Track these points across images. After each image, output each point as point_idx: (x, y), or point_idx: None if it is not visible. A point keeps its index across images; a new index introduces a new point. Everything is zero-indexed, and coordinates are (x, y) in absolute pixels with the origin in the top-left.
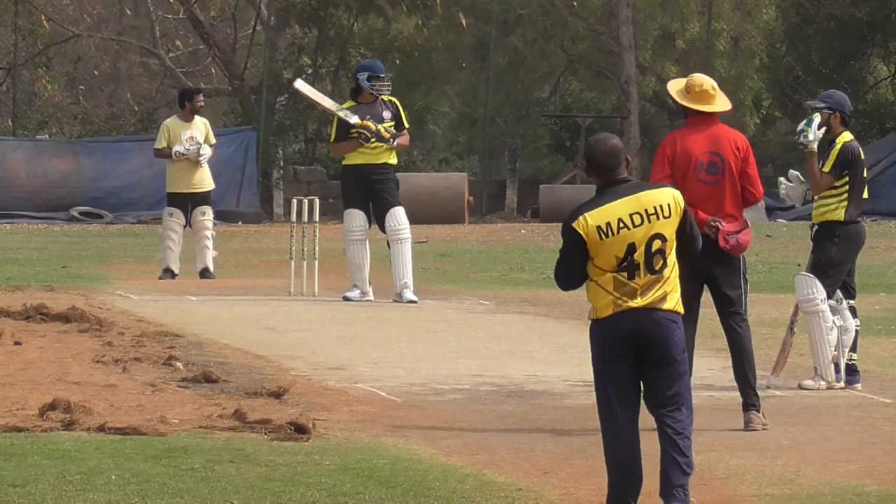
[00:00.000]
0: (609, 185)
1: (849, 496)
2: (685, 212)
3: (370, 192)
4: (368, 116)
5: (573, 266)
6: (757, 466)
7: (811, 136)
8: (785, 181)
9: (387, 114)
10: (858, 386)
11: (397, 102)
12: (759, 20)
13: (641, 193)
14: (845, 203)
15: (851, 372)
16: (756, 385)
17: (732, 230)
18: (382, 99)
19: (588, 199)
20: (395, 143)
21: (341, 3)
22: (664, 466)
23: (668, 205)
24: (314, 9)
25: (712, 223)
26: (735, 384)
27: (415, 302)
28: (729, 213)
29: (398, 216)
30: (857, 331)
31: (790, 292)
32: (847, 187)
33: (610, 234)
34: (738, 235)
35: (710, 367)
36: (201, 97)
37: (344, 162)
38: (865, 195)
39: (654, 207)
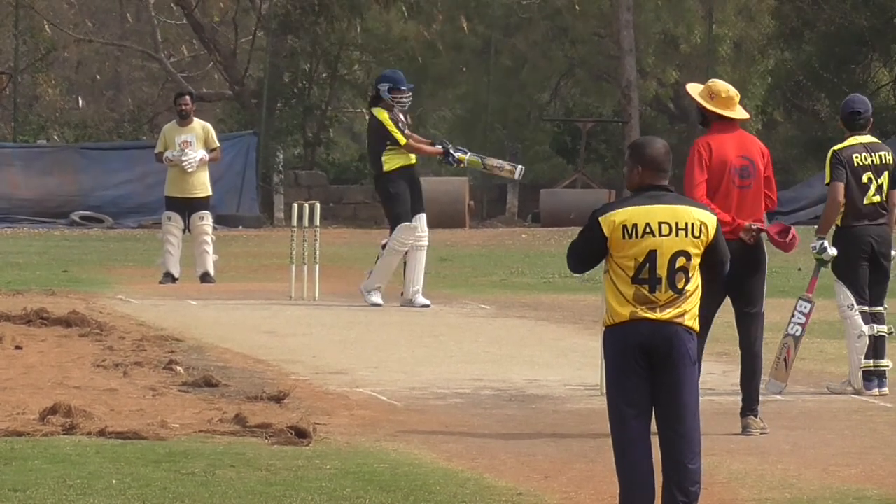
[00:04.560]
0: (649, 188)
1: (849, 500)
2: (716, 236)
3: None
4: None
5: (586, 254)
6: (757, 470)
7: (828, 254)
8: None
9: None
10: (875, 391)
11: None
12: (761, 25)
13: (679, 206)
14: (843, 209)
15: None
16: (759, 390)
17: (776, 230)
18: None
19: (624, 198)
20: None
21: (334, 8)
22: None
23: (702, 225)
24: (304, 15)
25: (751, 227)
26: (735, 388)
27: (428, 306)
28: (759, 218)
29: (423, 222)
30: (878, 336)
31: (790, 296)
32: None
33: (634, 235)
34: (791, 231)
35: (710, 372)
36: (186, 99)
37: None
38: (875, 199)
39: (687, 223)
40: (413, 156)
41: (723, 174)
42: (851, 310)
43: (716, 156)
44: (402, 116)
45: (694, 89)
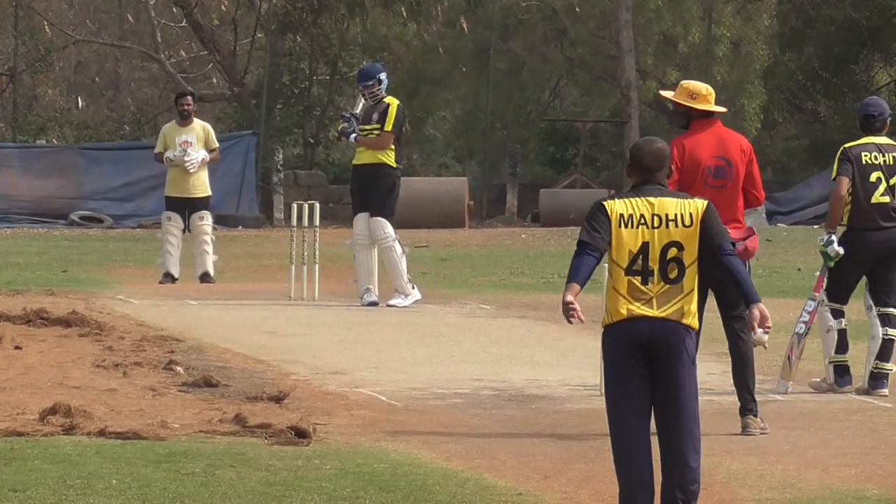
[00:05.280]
0: (642, 184)
1: (849, 500)
2: (707, 220)
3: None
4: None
5: (592, 229)
6: (757, 471)
7: (833, 248)
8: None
9: (375, 115)
10: (884, 392)
11: (392, 105)
12: (760, 25)
13: (667, 199)
14: (849, 208)
15: (876, 378)
16: (755, 390)
17: (739, 237)
18: (385, 101)
19: (620, 193)
20: (353, 138)
21: (334, 8)
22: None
23: (690, 214)
24: (304, 15)
25: None
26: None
27: (376, 304)
28: (735, 219)
29: (379, 225)
30: (886, 339)
31: (790, 297)
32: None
33: (630, 225)
34: (745, 242)
35: (710, 372)
36: (187, 99)
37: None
38: (884, 200)
39: (676, 215)
40: (364, 155)
41: (695, 174)
42: (822, 305)
43: (688, 156)
44: (376, 109)
45: (669, 94)
